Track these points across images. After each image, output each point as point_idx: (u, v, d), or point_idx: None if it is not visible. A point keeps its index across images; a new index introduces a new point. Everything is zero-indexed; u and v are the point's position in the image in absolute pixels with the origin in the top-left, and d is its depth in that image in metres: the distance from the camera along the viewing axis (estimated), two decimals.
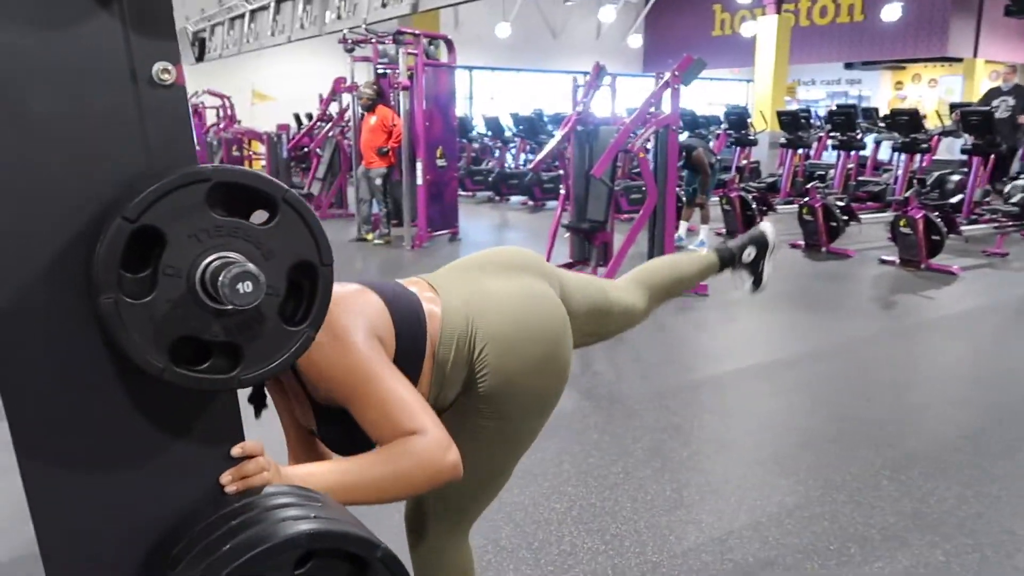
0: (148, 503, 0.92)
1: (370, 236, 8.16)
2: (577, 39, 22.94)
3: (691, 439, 3.23)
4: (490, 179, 12.16)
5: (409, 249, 7.77)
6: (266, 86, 17.47)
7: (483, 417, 1.43)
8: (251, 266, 0.79)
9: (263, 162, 12.71)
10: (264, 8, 11.27)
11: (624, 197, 9.40)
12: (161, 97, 0.86)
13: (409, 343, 1.33)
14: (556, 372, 1.50)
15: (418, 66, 7.52)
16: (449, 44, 8.31)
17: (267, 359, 0.86)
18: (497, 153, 13.21)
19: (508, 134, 12.98)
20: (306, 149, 10.74)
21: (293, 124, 12.86)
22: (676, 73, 5.52)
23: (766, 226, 2.31)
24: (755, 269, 2.29)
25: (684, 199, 8.04)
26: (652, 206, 5.76)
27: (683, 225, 7.97)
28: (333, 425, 1.29)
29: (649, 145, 6.02)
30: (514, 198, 12.00)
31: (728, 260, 2.24)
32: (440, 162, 7.97)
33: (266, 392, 1.32)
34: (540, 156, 6.63)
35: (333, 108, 10.18)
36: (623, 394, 3.76)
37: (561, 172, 7.42)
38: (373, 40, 8.21)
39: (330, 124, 10.05)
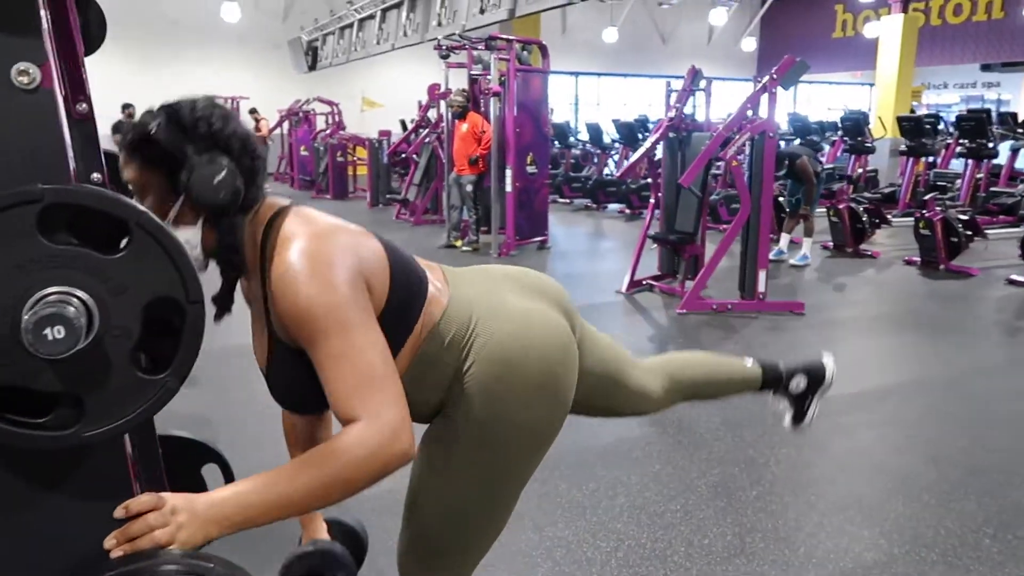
0: (19, 569, 0.81)
1: (459, 243, 8.13)
2: (687, 43, 22.35)
3: (763, 476, 2.93)
4: (588, 186, 11.94)
5: (496, 257, 7.67)
6: (375, 93, 17.92)
7: (467, 445, 1.27)
8: (69, 307, 0.65)
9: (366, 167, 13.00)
10: (371, 17, 11.55)
11: (724, 207, 8.98)
12: (20, 102, 0.74)
13: (402, 305, 1.19)
14: (550, 402, 1.33)
15: (510, 72, 7.42)
16: (543, 49, 8.18)
17: (116, 413, 0.73)
18: (597, 160, 12.96)
19: (608, 140, 12.71)
20: (404, 155, 10.86)
21: (399, 130, 13.07)
22: (774, 76, 5.16)
23: (827, 360, 2.06)
24: (801, 404, 2.02)
25: (787, 210, 7.59)
26: (745, 217, 5.41)
27: (785, 238, 7.52)
28: (286, 369, 1.17)
29: (744, 153, 5.67)
30: (612, 206, 11.73)
31: (773, 382, 1.98)
32: (530, 169, 7.84)
33: (233, 298, 1.22)
34: (629, 163, 6.38)
35: (432, 114, 10.26)
36: (693, 421, 3.48)
37: (651, 180, 7.11)
38: (467, 46, 8.17)
39: (427, 130, 10.12)
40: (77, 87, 1.74)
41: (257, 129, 15.15)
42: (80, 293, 0.67)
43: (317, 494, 0.98)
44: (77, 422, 0.71)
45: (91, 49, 1.91)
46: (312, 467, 0.98)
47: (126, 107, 12.54)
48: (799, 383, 1.98)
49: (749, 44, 22.14)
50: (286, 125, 15.91)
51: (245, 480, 0.99)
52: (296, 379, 1.14)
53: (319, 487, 0.98)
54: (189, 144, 1.09)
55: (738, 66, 21.66)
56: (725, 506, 2.70)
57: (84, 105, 1.75)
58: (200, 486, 2.14)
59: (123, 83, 16.37)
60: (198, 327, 0.75)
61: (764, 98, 5.29)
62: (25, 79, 0.73)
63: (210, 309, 1.15)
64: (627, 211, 10.96)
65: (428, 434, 1.32)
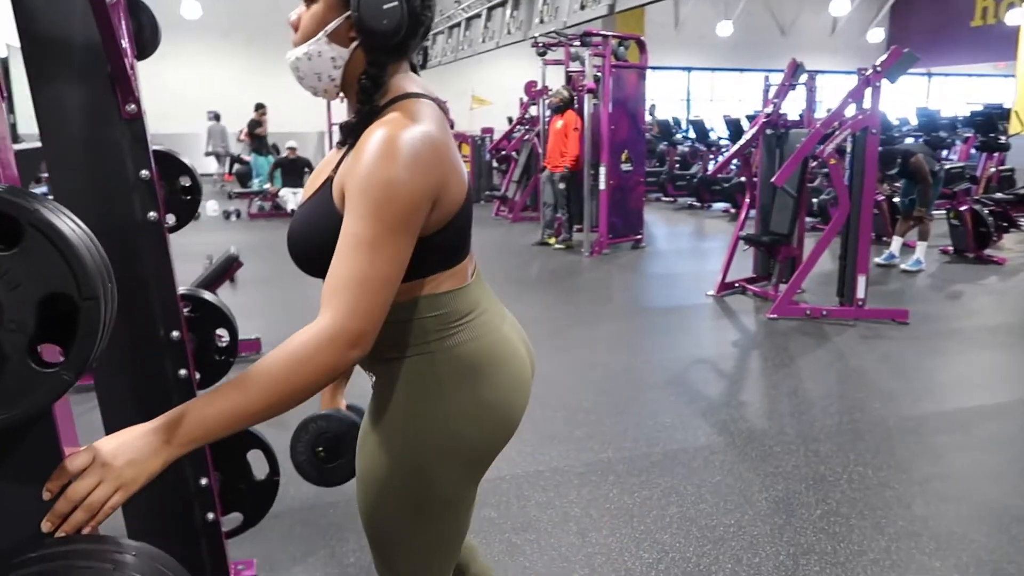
0: None
1: (552, 240, 8.10)
2: (808, 35, 21.37)
3: (831, 494, 2.76)
4: (691, 184, 11.63)
5: (587, 256, 7.60)
6: (485, 91, 18.10)
7: (393, 433, 1.19)
8: None
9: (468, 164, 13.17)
10: (477, 16, 11.71)
11: (833, 207, 8.51)
12: None
13: (434, 251, 1.14)
14: (494, 428, 1.23)
15: (605, 68, 7.32)
16: (641, 45, 8.02)
17: (11, 403, 0.76)
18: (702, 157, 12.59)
19: (715, 137, 12.33)
20: (504, 152, 10.93)
21: (506, 127, 13.17)
22: (878, 68, 4.83)
23: None
24: None
25: (900, 211, 7.12)
26: (844, 218, 5.11)
27: (897, 241, 7.05)
28: (313, 210, 1.13)
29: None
30: (716, 205, 11.38)
31: None
32: (625, 166, 7.72)
33: None
34: (723, 161, 6.15)
35: (533, 111, 10.28)
36: (764, 431, 3.32)
37: (745, 179, 6.82)
38: (563, 43, 8.13)
39: (526, 127, 10.15)
40: (126, 89, 1.85)
41: None
42: None
43: (273, 401, 0.97)
44: None
45: (144, 53, 2.03)
46: (267, 374, 0.97)
47: (259, 107, 13.25)
48: None
49: (876, 35, 20.88)
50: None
51: (193, 400, 0.98)
52: (314, 226, 1.11)
53: (275, 394, 0.96)
54: None
55: (864, 59, 20.46)
56: (783, 524, 2.56)
57: (133, 106, 1.86)
58: (246, 472, 2.24)
59: (250, 83, 17.34)
60: (92, 322, 0.77)
61: (868, 92, 4.97)
62: None
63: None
64: (732, 210, 10.59)
65: (370, 410, 1.24)
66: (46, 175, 1.90)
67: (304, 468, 1.35)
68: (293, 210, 9.73)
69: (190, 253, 6.52)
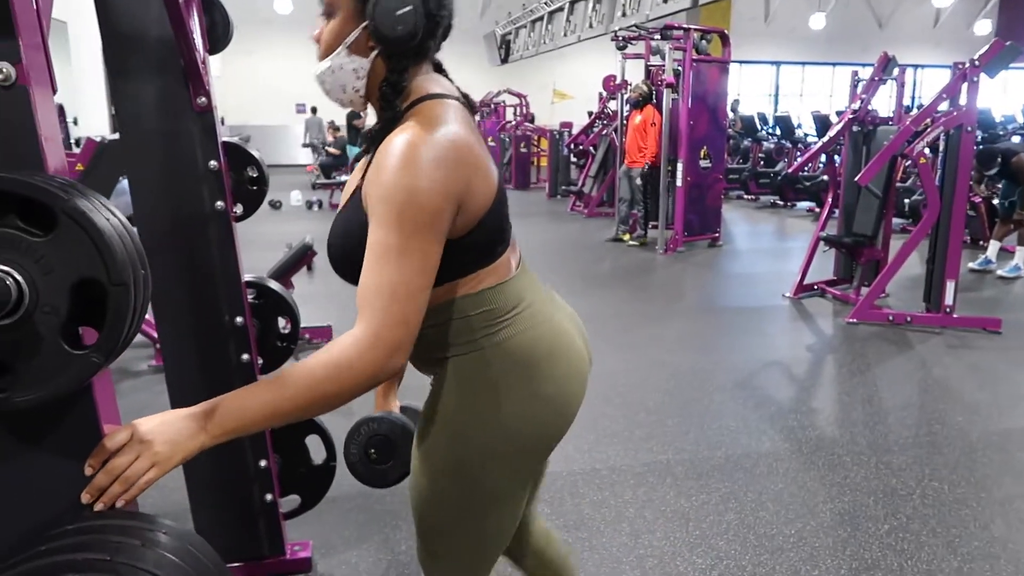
0: (6, 513, 0.91)
1: (626, 237, 8.01)
2: (908, 28, 20.41)
3: (902, 509, 2.63)
4: (774, 182, 11.28)
5: (662, 253, 7.48)
6: (566, 85, 18.07)
7: (448, 429, 1.19)
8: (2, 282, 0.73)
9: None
10: (560, 9, 11.67)
11: (926, 208, 8.10)
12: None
13: (472, 248, 1.14)
14: (548, 421, 1.22)
15: (685, 62, 7.18)
16: (724, 38, 7.81)
17: (44, 382, 0.80)
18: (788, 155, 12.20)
19: (801, 134, 11.93)
20: (581, 147, 10.87)
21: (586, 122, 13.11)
22: (976, 62, 4.57)
23: None
24: None
25: (1000, 214, 6.72)
26: (933, 220, 4.86)
27: (994, 245, 6.66)
28: (349, 218, 1.14)
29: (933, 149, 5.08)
30: (801, 204, 11.02)
31: None
32: (703, 163, 7.55)
33: None
34: (805, 157, 5.94)
35: (613, 106, 10.18)
36: (833, 440, 3.19)
37: (827, 177, 6.55)
38: (643, 36, 8.01)
39: (604, 122, 10.06)
40: (198, 83, 1.92)
41: None
42: (11, 271, 0.75)
43: (307, 403, 0.99)
44: (10, 389, 0.79)
45: (216, 48, 2.10)
46: (303, 376, 0.99)
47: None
48: None
49: (983, 27, 19.74)
50: (477, 116, 16.48)
51: (231, 392, 1.01)
52: (349, 235, 1.12)
53: (309, 396, 0.99)
54: None
55: (969, 53, 19.38)
56: (848, 537, 2.46)
57: (204, 99, 1.93)
58: (305, 456, 2.30)
59: None
60: (121, 308, 0.80)
61: (964, 87, 4.70)
62: (0, 77, 0.81)
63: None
64: (816, 209, 10.23)
65: (427, 405, 1.25)
66: None
67: (356, 469, 1.39)
68: None
69: (272, 241, 6.76)
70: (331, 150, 13.31)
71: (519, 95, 14.88)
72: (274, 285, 2.27)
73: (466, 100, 1.21)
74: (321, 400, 1.00)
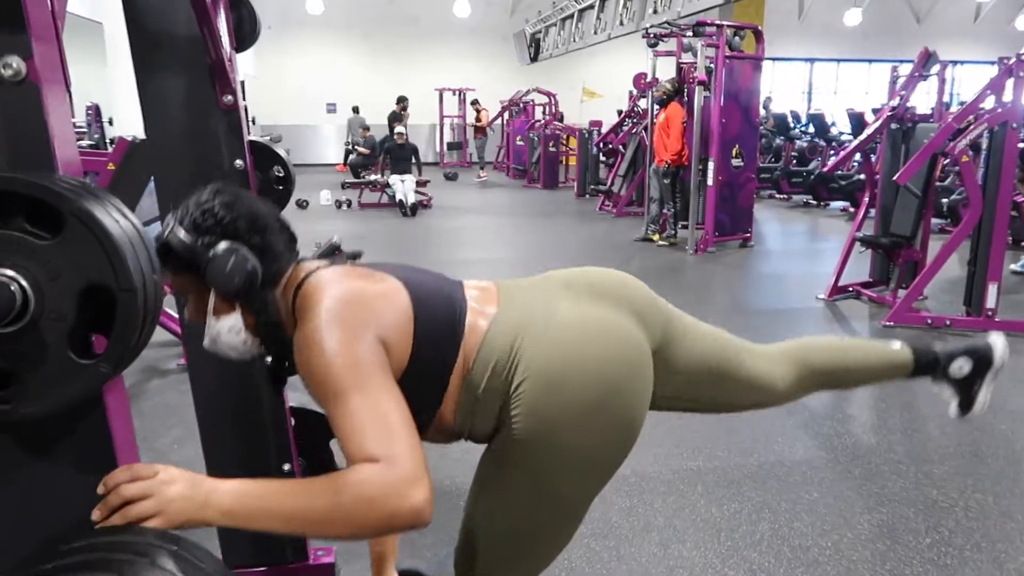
0: (15, 524, 0.89)
1: (656, 236, 7.91)
2: (948, 23, 19.96)
3: (944, 522, 2.53)
4: (808, 181, 11.07)
5: (692, 254, 7.37)
6: (595, 83, 17.93)
7: (516, 467, 1.22)
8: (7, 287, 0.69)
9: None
10: (590, 7, 11.59)
11: (965, 208, 7.89)
12: (6, 96, 0.79)
13: (431, 355, 1.19)
14: (609, 427, 1.23)
15: (718, 59, 7.06)
16: (758, 35, 7.68)
17: (50, 392, 0.76)
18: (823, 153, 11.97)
19: (835, 132, 11.70)
20: (611, 145, 10.77)
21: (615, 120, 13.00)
22: (1023, 57, 4.41)
23: (996, 338, 1.73)
24: (967, 390, 1.74)
25: None
26: (975, 221, 4.71)
27: None
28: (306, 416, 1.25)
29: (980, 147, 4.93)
30: (835, 204, 10.81)
31: (927, 366, 1.71)
32: (735, 162, 7.43)
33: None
34: (842, 156, 5.81)
35: (643, 104, 10.07)
36: (871, 448, 3.09)
37: (862, 176, 6.39)
38: (675, 33, 7.89)
39: (634, 120, 9.95)
40: (224, 81, 1.90)
41: (478, 119, 15.83)
42: (17, 275, 0.71)
43: (318, 520, 0.96)
44: (16, 400, 0.76)
45: (243, 46, 2.08)
46: (322, 491, 0.97)
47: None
48: (962, 366, 1.70)
49: None
50: (506, 116, 16.45)
51: (255, 480, 1.00)
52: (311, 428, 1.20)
53: (323, 513, 0.95)
54: (200, 240, 1.14)
55: (1011, 48, 18.91)
56: (886, 551, 2.37)
57: (230, 97, 1.91)
58: (329, 460, 2.27)
59: (365, 77, 17.87)
60: (130, 315, 0.77)
61: (1010, 83, 4.55)
62: (9, 72, 0.78)
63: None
64: (850, 209, 10.03)
65: (484, 452, 1.29)
66: None
67: None
68: (400, 200, 9.96)
69: (301, 241, 6.77)
70: (361, 149, 13.36)
71: (548, 94, 14.82)
72: None
73: (334, 253, 1.33)
74: (339, 523, 0.97)
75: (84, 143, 8.21)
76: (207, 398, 2.02)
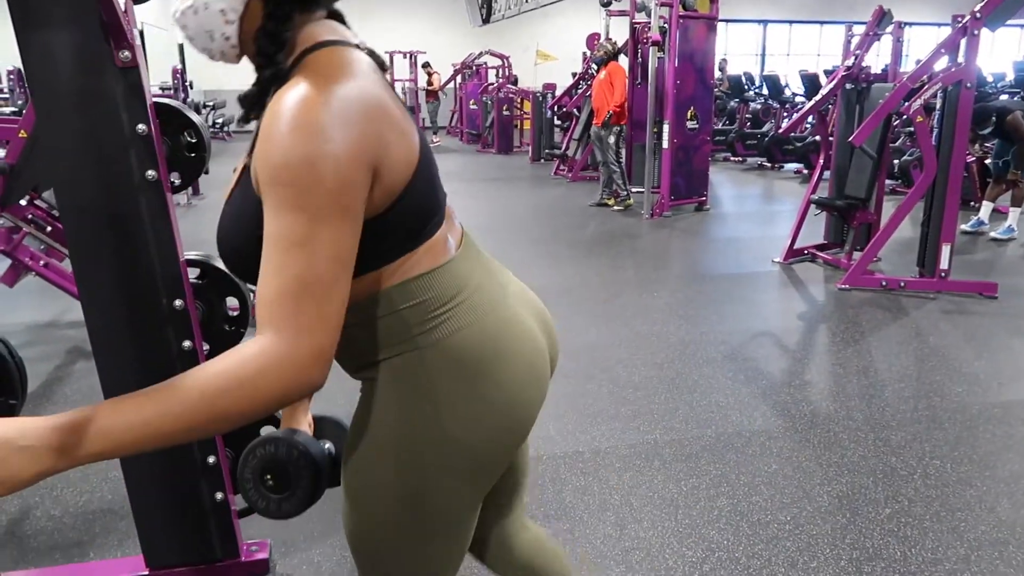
0: None
1: (611, 201, 7.79)
2: None
3: (903, 491, 2.48)
4: (762, 144, 11.06)
5: (647, 218, 7.28)
6: (549, 46, 17.66)
7: (384, 451, 1.00)
8: None
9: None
10: None
11: (917, 169, 7.94)
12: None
13: (398, 225, 0.93)
14: (503, 429, 1.04)
15: (672, 19, 6.90)
16: None
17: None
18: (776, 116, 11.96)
19: (789, 94, 11.68)
20: (565, 108, 10.58)
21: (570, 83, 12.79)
22: (977, 15, 4.34)
23: None
24: None
25: (993, 174, 6.56)
26: (929, 182, 4.68)
27: (987, 206, 6.52)
28: (237, 207, 0.94)
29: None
30: (788, 166, 10.82)
31: None
32: (691, 124, 7.31)
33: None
34: (796, 118, 5.73)
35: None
36: (829, 416, 3.04)
37: (818, 138, 6.34)
38: None
39: (588, 83, 9.76)
40: (119, 35, 1.68)
41: (429, 83, 15.46)
42: None
43: (197, 423, 0.78)
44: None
45: None
46: (193, 388, 0.77)
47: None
48: None
49: None
50: (458, 79, 16.09)
51: (106, 401, 0.78)
52: (242, 224, 0.91)
53: (200, 414, 0.77)
54: None
55: (966, 8, 19.11)
56: (847, 523, 2.31)
57: (127, 53, 1.69)
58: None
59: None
60: None
61: (963, 42, 4.49)
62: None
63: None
64: (804, 171, 10.04)
65: (357, 415, 1.05)
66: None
67: (251, 499, 1.14)
68: None
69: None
70: None
71: (501, 56, 14.50)
72: (220, 263, 2.05)
73: (373, 55, 0.99)
74: (218, 420, 0.78)
75: (7, 110, 7.75)
76: (119, 391, 1.84)
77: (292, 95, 0.83)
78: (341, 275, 0.83)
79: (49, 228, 3.87)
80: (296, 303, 0.80)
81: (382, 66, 0.99)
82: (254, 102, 0.91)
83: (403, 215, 0.92)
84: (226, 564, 2.02)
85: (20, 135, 3.46)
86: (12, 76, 8.58)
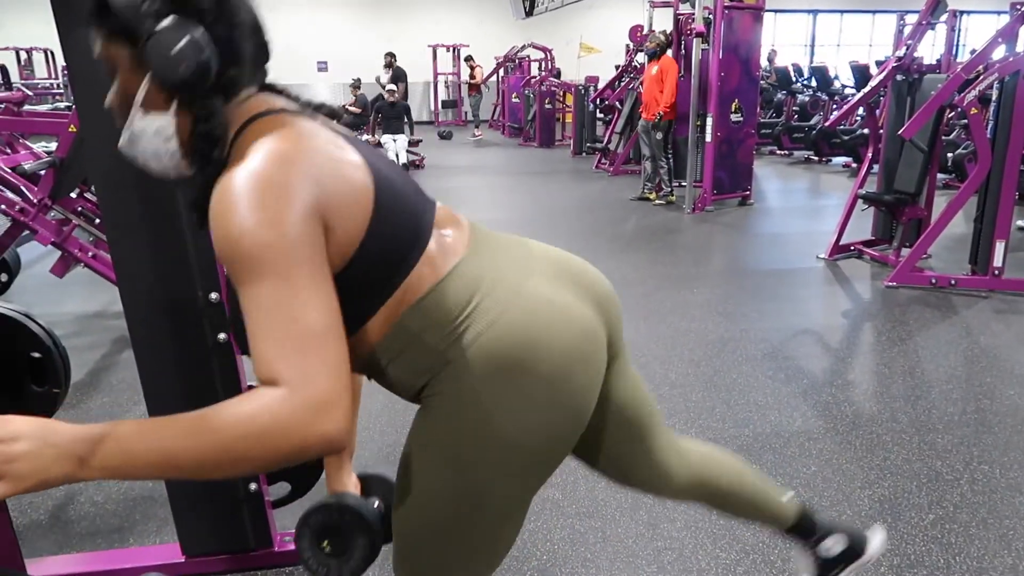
0: None
1: (652, 196, 7.71)
2: None
3: (948, 497, 2.40)
4: (809, 137, 10.80)
5: (689, 213, 7.18)
6: (593, 38, 17.52)
7: (440, 450, 1.04)
8: None
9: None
10: None
11: (972, 163, 7.68)
12: None
13: (378, 259, 0.96)
14: (558, 413, 1.05)
15: (717, 10, 6.78)
16: None
17: None
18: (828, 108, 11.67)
19: (838, 85, 11.40)
20: (607, 102, 10.49)
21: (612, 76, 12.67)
22: None
23: (877, 536, 1.66)
24: (826, 569, 1.62)
25: None
26: (983, 176, 4.52)
27: None
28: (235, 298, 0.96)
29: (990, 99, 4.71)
30: (836, 159, 10.56)
31: (803, 531, 1.62)
32: (735, 117, 7.18)
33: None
34: (844, 110, 5.58)
35: (640, 59, 9.77)
36: (872, 417, 2.96)
37: (867, 131, 6.17)
38: None
39: (631, 76, 9.67)
40: None
41: (472, 76, 15.46)
42: None
43: (208, 461, 0.80)
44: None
45: None
46: (209, 428, 0.80)
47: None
48: (832, 547, 1.61)
49: None
50: (501, 72, 16.07)
51: (129, 421, 0.82)
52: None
53: (212, 454, 0.80)
54: (149, 8, 0.91)
55: None
56: (888, 528, 2.24)
57: None
58: None
59: (359, 34, 17.44)
60: None
61: (1022, 30, 4.32)
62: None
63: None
64: (853, 165, 9.80)
65: (413, 427, 1.09)
66: None
67: (312, 567, 1.16)
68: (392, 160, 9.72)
69: None
70: (352, 108, 13.06)
71: (544, 49, 14.43)
72: None
73: (319, 107, 1.06)
74: (232, 463, 0.80)
75: (61, 105, 7.96)
76: (156, 382, 1.88)
77: (228, 180, 0.87)
78: (330, 322, 0.85)
79: (97, 220, 3.97)
80: (294, 354, 0.81)
81: (332, 113, 1.08)
82: (205, 206, 0.93)
83: (381, 248, 0.95)
84: (259, 553, 2.05)
85: (70, 130, 3.55)
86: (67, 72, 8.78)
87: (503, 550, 1.13)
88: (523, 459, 1.04)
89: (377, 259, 0.96)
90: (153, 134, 0.96)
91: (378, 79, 13.51)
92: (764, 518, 1.59)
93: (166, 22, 0.90)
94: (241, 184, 0.86)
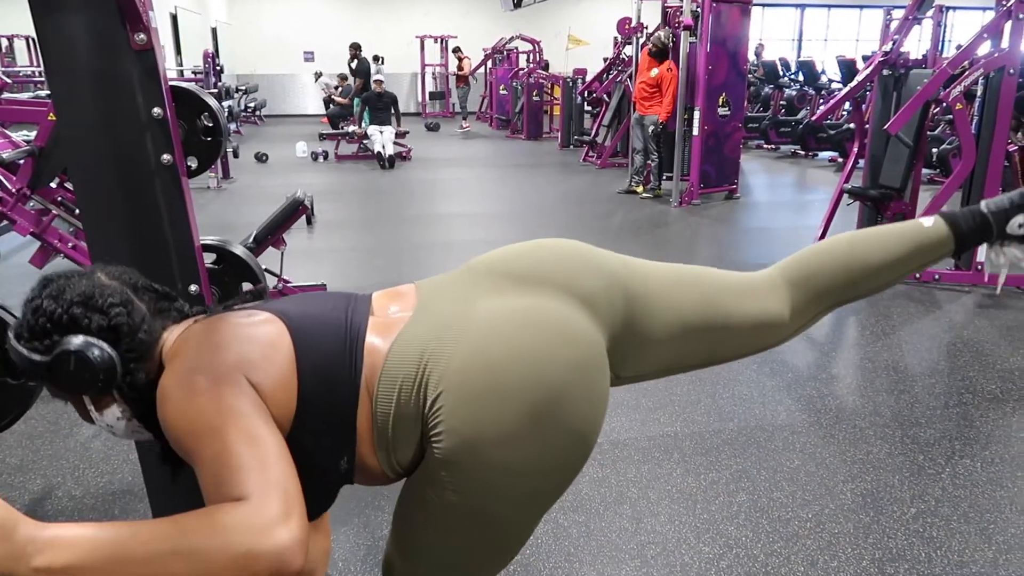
0: None
1: (640, 188, 7.70)
2: None
3: (930, 491, 2.42)
4: (796, 131, 10.83)
5: (676, 206, 7.18)
6: (581, 30, 17.49)
7: (444, 488, 1.04)
8: None
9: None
10: None
11: (956, 158, 7.72)
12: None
13: (323, 393, 1.03)
14: (552, 441, 1.04)
15: (705, 3, 6.76)
16: None
17: None
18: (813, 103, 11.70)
19: (825, 80, 11.43)
20: (594, 94, 10.46)
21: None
22: None
23: None
24: None
25: None
26: (967, 171, 4.54)
27: None
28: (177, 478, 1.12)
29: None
30: (823, 154, 10.60)
31: (976, 233, 1.31)
32: (722, 111, 7.18)
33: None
34: (830, 105, 5.59)
35: (629, 52, 9.75)
36: (855, 411, 2.97)
37: (853, 125, 6.19)
38: None
39: (619, 68, 9.65)
40: (135, 18, 1.67)
41: (460, 68, 15.40)
42: None
43: (169, 568, 0.77)
44: None
45: None
46: (172, 534, 0.78)
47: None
48: (1021, 221, 1.30)
49: None
50: (489, 64, 16.00)
51: (84, 525, 0.79)
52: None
53: (173, 560, 0.77)
54: (40, 346, 1.02)
55: None
56: (870, 522, 2.25)
57: (143, 36, 1.68)
58: None
59: (345, 25, 17.31)
60: None
61: (1008, 26, 4.33)
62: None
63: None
64: (839, 159, 9.83)
65: (409, 478, 1.13)
66: None
67: None
68: (378, 152, 9.66)
69: (274, 195, 6.54)
70: (338, 99, 12.98)
71: (532, 41, 14.38)
72: (237, 248, 2.04)
73: (253, 298, 1.22)
74: (183, 561, 0.77)
75: (42, 93, 7.83)
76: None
77: (161, 389, 0.98)
78: (273, 450, 0.88)
79: (77, 210, 3.91)
80: (244, 478, 0.83)
81: (257, 295, 1.25)
82: (172, 454, 1.04)
83: (320, 382, 1.03)
84: None
85: (49, 118, 3.50)
86: None
87: (508, 562, 1.20)
88: (527, 477, 1.04)
89: (322, 389, 1.03)
90: (118, 421, 1.08)
91: (344, 76, 13.47)
92: (919, 260, 1.34)
93: (56, 352, 1.00)
94: (173, 382, 0.96)
